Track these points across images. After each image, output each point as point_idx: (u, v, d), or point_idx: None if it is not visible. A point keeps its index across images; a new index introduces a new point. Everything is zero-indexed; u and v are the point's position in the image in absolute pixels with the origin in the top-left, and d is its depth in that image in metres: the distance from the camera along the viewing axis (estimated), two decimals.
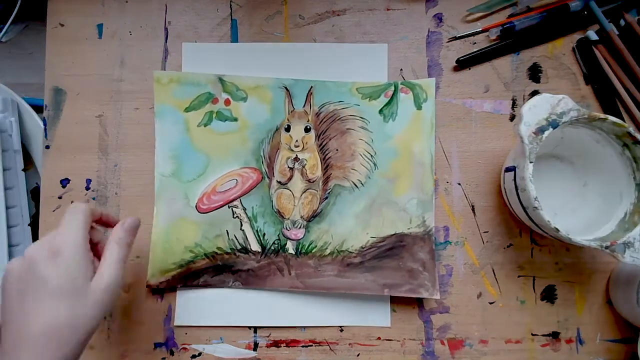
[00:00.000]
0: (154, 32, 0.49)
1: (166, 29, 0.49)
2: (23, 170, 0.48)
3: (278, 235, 0.46)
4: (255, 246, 0.46)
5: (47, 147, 0.47)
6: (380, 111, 0.47)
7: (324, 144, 0.47)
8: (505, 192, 0.44)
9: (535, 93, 0.48)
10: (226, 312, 0.46)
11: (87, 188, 0.47)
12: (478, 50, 0.48)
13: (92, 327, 0.34)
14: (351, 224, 0.46)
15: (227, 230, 0.46)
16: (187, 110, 0.47)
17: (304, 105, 0.48)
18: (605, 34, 0.48)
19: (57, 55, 0.48)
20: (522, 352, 0.46)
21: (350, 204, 0.46)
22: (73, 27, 0.49)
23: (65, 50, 0.48)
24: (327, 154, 0.47)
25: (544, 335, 0.46)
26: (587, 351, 0.46)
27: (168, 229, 0.46)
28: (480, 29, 0.48)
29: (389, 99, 0.47)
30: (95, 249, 0.39)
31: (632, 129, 0.39)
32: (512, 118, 0.48)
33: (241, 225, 0.46)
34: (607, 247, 0.38)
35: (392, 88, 0.47)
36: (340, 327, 0.46)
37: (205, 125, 0.47)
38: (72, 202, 0.47)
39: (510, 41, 0.48)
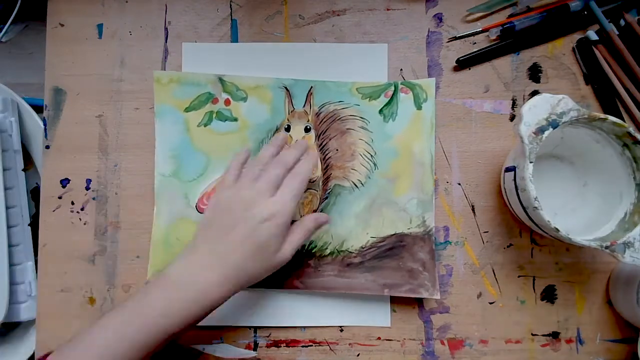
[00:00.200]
0: (154, 32, 0.49)
1: (166, 29, 0.49)
2: (23, 170, 0.48)
3: None
4: None
5: (47, 147, 0.47)
6: (380, 111, 0.47)
7: (324, 144, 0.47)
8: (505, 192, 0.44)
9: (535, 93, 0.48)
10: (226, 312, 0.46)
11: (87, 188, 0.47)
12: (478, 50, 0.48)
13: (236, 292, 0.38)
14: (351, 224, 0.46)
15: None
16: (187, 110, 0.47)
17: (304, 105, 0.48)
18: (605, 34, 0.48)
19: (57, 55, 0.48)
20: (522, 352, 0.46)
21: (350, 204, 0.46)
22: (73, 27, 0.49)
23: (65, 50, 0.48)
24: (327, 154, 0.47)
25: (544, 335, 0.46)
26: (587, 351, 0.46)
27: (168, 229, 0.46)
28: (480, 29, 0.48)
29: (389, 99, 0.47)
30: None
31: (632, 129, 0.39)
32: (512, 118, 0.48)
33: None
34: (607, 247, 0.38)
35: (392, 88, 0.47)
36: (340, 327, 0.46)
37: (205, 125, 0.47)
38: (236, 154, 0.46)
39: (510, 41, 0.48)
